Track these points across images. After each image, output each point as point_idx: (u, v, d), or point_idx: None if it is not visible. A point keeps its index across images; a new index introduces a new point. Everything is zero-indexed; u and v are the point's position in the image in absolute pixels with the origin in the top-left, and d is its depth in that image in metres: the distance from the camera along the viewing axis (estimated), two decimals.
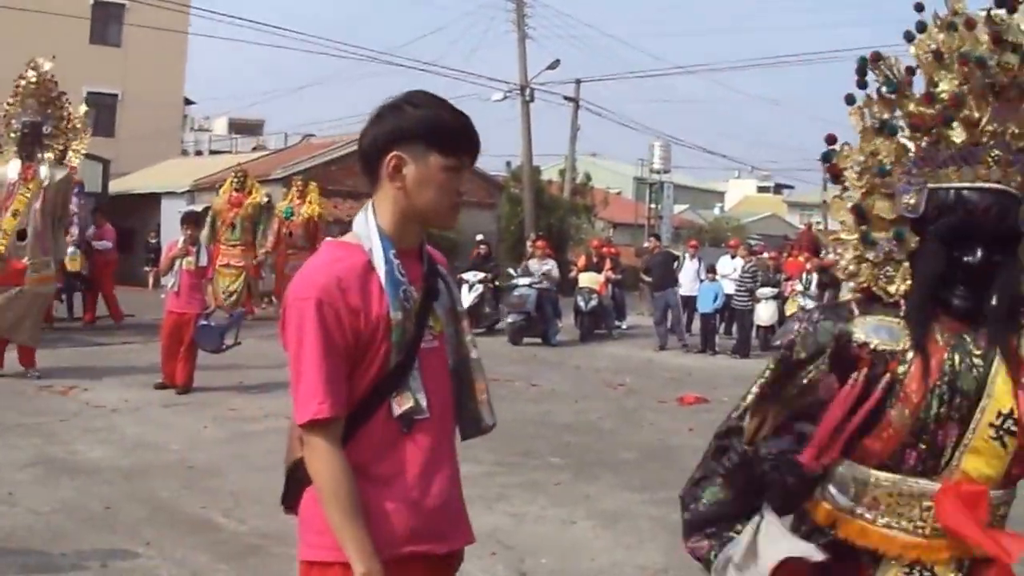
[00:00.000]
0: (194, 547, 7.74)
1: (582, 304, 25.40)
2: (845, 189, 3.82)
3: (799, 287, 23.53)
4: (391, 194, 3.34)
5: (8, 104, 16.23)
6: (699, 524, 3.81)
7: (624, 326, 28.56)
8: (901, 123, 3.70)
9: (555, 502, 9.62)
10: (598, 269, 26.54)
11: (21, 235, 15.19)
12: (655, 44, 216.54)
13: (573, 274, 27.29)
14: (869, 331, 3.61)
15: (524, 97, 42.28)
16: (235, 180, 25.55)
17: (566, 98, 46.27)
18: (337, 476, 3.15)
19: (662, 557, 8.20)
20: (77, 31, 43.85)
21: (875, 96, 3.74)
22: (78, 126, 17.00)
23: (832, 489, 3.71)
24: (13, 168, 15.48)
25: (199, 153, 59.99)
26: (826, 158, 3.89)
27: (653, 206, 52.25)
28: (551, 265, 24.91)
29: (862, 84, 3.77)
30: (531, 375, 18.33)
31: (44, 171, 15.58)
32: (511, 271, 25.79)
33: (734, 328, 26.23)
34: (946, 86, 3.58)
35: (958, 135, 3.56)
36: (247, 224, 25.02)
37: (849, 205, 3.77)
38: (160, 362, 14.69)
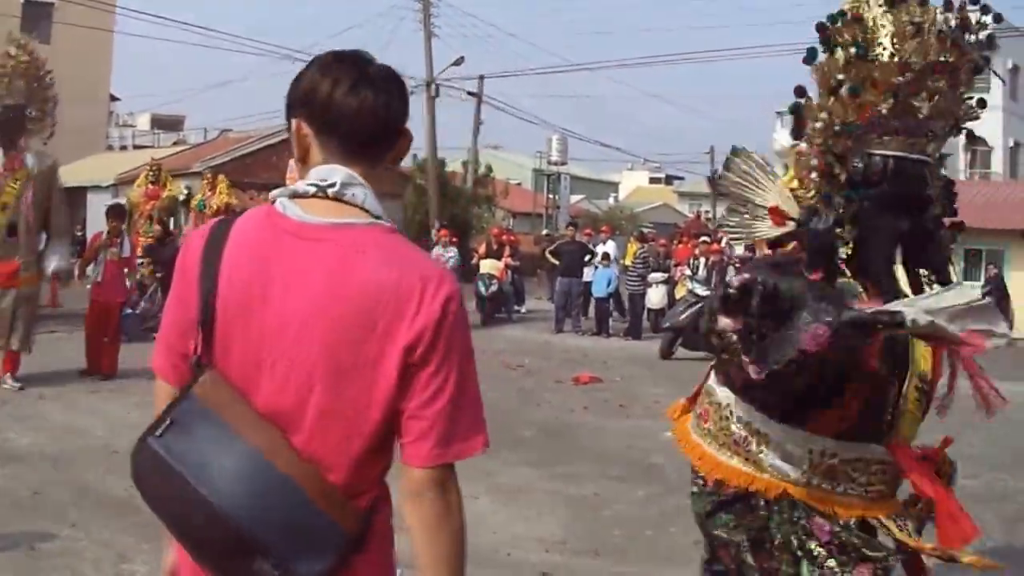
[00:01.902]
0: (119, 529, 7.67)
1: (483, 289, 25.45)
2: (797, 142, 3.85)
3: (687, 272, 23.72)
4: (379, 177, 2.67)
5: None
6: None
7: (523, 310, 28.62)
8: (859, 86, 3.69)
9: (458, 478, 9.63)
10: (498, 256, 26.61)
11: (11, 230, 13.45)
12: (555, 43, 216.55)
13: (474, 261, 27.29)
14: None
15: (429, 92, 42.10)
16: (150, 174, 25.39)
17: (469, 93, 46.10)
18: (465, 532, 2.53)
19: (560, 529, 8.27)
20: (7, 28, 42.92)
21: (837, 57, 3.74)
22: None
23: (777, 462, 3.76)
24: None
25: (123, 148, 59.16)
26: (795, 110, 3.87)
27: (551, 196, 52.32)
28: (453, 253, 24.88)
29: (825, 42, 3.78)
30: None
31: (31, 160, 13.83)
32: None
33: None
34: (917, 58, 3.59)
35: (924, 107, 3.60)
36: (164, 216, 24.86)
37: (814, 162, 3.77)
38: (85, 350, 14.50)
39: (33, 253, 13.71)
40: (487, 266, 25.98)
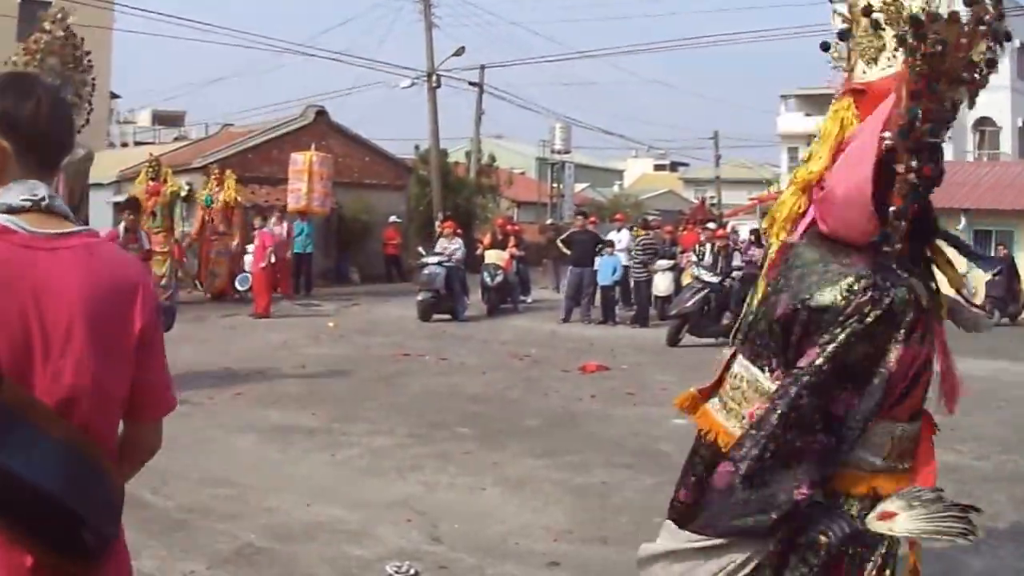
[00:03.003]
0: (125, 524, 7.68)
1: (488, 280, 25.40)
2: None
3: (693, 258, 23.69)
4: None
5: (16, 63, 13.01)
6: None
7: (529, 300, 28.59)
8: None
9: (465, 470, 9.68)
10: (503, 246, 26.56)
11: None
12: (556, 30, 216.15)
13: (479, 252, 27.28)
14: (921, 292, 3.67)
15: (431, 83, 42.10)
16: (150, 170, 25.44)
17: (471, 83, 46.15)
18: None
19: (566, 518, 8.27)
20: (4, 29, 42.86)
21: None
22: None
23: (864, 454, 3.72)
24: None
25: (124, 145, 59.14)
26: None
27: (555, 185, 52.28)
28: (458, 244, 24.88)
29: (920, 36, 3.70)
30: (440, 349, 18.31)
31: None
32: (420, 250, 25.77)
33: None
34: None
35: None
36: (166, 211, 24.90)
37: (912, 84, 3.71)
38: None
39: None
40: (492, 256, 25.88)
